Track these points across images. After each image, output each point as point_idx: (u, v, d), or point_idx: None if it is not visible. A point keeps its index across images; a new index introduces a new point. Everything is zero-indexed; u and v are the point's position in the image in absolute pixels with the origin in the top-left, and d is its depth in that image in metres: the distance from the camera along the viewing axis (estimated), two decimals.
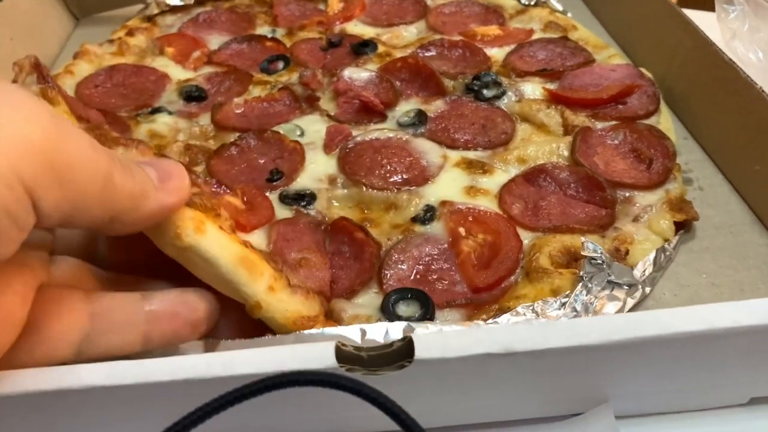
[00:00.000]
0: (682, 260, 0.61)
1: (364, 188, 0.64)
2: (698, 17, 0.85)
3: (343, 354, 0.39)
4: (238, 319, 0.48)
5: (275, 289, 0.47)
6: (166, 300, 0.45)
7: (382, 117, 0.76)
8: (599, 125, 0.73)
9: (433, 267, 0.57)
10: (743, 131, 0.68)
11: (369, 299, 0.55)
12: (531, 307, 0.51)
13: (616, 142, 0.70)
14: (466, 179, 0.67)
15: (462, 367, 0.39)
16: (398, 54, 0.87)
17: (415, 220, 0.62)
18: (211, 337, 0.47)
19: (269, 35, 0.94)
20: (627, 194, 0.64)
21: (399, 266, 0.57)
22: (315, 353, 0.39)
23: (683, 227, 0.62)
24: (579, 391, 0.45)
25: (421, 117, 0.75)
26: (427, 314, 0.51)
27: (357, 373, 0.39)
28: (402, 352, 0.39)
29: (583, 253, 0.55)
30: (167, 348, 0.45)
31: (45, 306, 0.40)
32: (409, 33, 0.95)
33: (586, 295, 0.51)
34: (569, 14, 0.97)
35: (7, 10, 0.90)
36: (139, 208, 0.40)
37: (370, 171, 0.67)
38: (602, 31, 0.99)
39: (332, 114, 0.77)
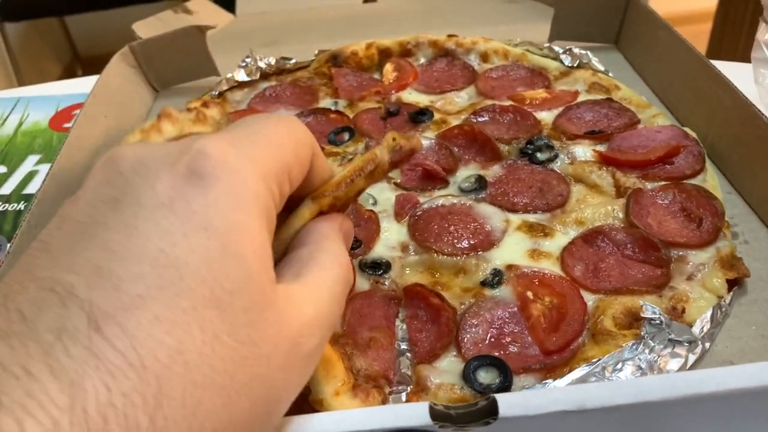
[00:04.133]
0: (733, 312, 0.65)
1: (435, 255, 0.70)
2: (734, 69, 0.91)
3: (435, 413, 0.45)
4: None
5: (340, 393, 0.54)
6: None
7: (445, 183, 0.83)
8: (649, 185, 0.78)
9: (505, 330, 0.62)
10: None
11: (450, 364, 0.60)
12: (599, 366, 0.56)
13: (666, 202, 0.75)
14: (528, 243, 0.72)
15: (540, 423, 0.45)
16: (453, 120, 0.94)
17: (484, 284, 0.67)
18: None
19: (332, 107, 1.01)
20: (680, 253, 0.69)
21: (474, 330, 0.62)
22: (413, 412, 0.45)
23: (736, 284, 0.66)
24: None
25: (481, 182, 0.81)
26: (506, 381, 0.57)
27: (449, 429, 0.45)
28: (486, 411, 0.45)
29: (642, 315, 0.60)
30: None
31: None
32: (461, 99, 1.02)
33: (650, 354, 0.56)
34: (611, 74, 1.03)
35: (101, 90, 1.00)
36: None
37: (439, 237, 0.73)
38: (644, 88, 1.05)
39: (399, 182, 0.83)
